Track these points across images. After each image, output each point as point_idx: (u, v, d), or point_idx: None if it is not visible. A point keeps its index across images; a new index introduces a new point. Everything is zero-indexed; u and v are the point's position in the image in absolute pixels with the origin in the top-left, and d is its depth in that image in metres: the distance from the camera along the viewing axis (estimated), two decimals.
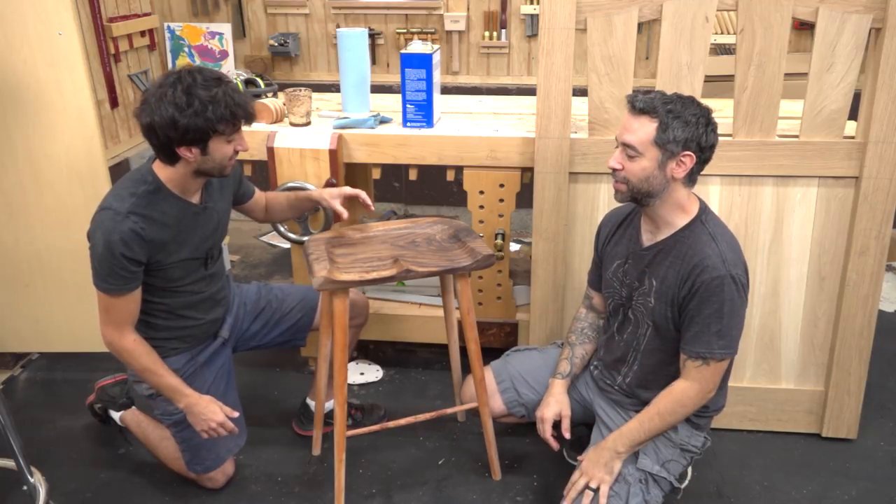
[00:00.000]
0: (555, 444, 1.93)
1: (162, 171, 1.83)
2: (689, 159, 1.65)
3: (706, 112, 1.67)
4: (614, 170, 1.72)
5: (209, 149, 1.75)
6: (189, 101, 1.67)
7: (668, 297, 1.74)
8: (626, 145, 1.68)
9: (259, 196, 2.19)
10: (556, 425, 1.94)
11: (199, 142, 1.73)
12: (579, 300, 2.26)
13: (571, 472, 1.88)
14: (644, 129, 1.65)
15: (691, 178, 1.71)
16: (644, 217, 1.82)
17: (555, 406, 1.93)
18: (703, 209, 1.76)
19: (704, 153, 1.67)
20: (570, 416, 1.93)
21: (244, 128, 1.83)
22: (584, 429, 2.15)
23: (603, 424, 1.90)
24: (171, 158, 1.78)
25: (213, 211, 1.96)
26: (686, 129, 1.63)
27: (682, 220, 1.74)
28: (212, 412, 1.89)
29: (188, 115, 1.67)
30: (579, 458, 1.85)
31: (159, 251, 1.82)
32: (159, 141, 1.73)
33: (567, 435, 1.92)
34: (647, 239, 1.81)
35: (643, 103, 1.66)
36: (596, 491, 1.74)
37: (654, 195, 1.70)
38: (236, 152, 1.83)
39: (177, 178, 1.82)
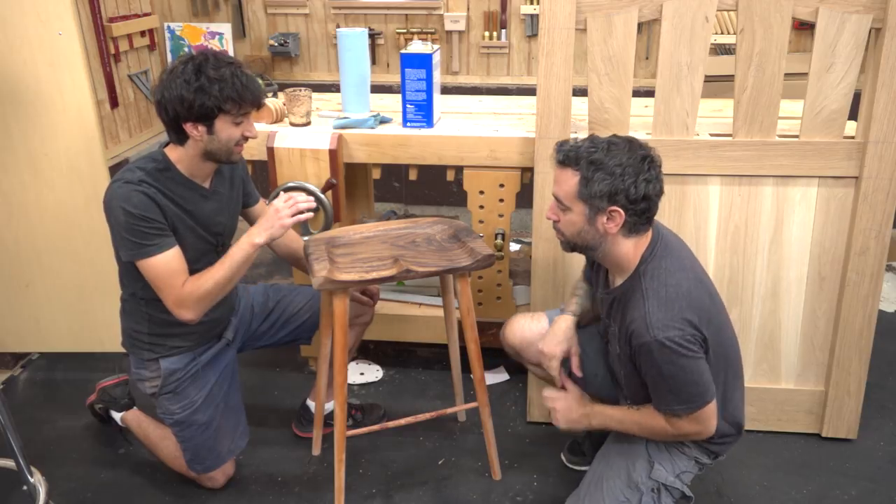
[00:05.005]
0: (562, 381, 1.84)
1: (172, 153, 1.86)
2: (618, 214, 1.55)
3: (638, 160, 1.54)
4: (552, 220, 1.67)
5: (215, 128, 1.78)
6: (197, 78, 1.71)
7: (626, 353, 1.67)
8: (555, 198, 1.62)
9: (263, 207, 2.17)
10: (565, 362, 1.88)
11: (205, 119, 1.75)
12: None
13: (572, 473, 1.88)
14: (568, 183, 1.57)
15: (632, 230, 1.60)
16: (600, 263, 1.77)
17: (565, 343, 1.84)
18: (645, 257, 1.63)
19: (636, 206, 1.54)
20: (579, 353, 1.86)
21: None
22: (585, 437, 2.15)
23: None
24: (179, 136, 1.81)
25: (222, 196, 1.97)
26: (610, 181, 1.51)
27: (629, 271, 1.65)
28: (276, 213, 1.84)
29: (193, 91, 1.71)
30: (568, 388, 1.84)
31: (172, 220, 1.82)
32: (168, 117, 1.77)
33: (578, 373, 1.85)
34: (611, 280, 1.75)
35: (564, 155, 1.57)
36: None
37: (592, 248, 1.63)
38: (245, 138, 1.84)
39: (186, 159, 1.84)
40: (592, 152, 1.55)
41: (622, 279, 1.69)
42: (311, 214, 1.87)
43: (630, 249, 1.63)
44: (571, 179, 1.56)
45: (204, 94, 1.71)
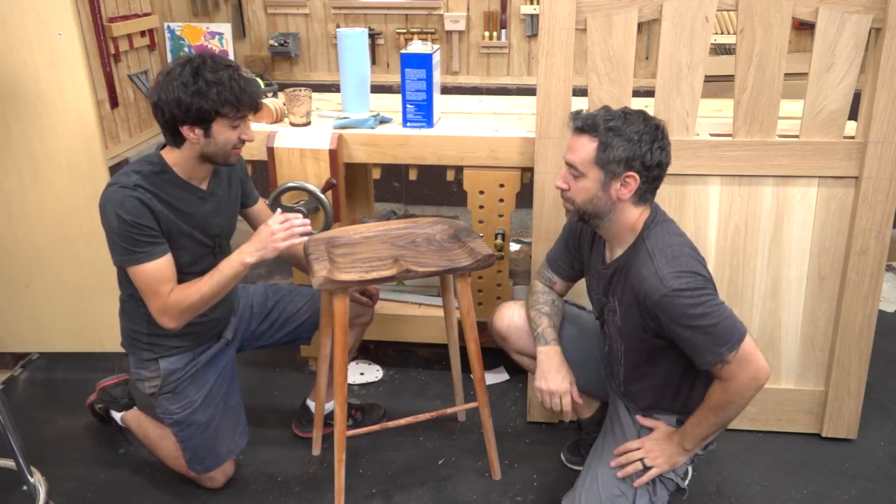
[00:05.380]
0: (640, 422, 1.83)
1: (169, 155, 1.85)
2: (632, 180, 1.61)
3: (653, 129, 1.61)
4: (561, 189, 1.70)
5: (212, 131, 1.77)
6: (195, 81, 1.70)
7: (635, 320, 1.69)
8: (569, 165, 1.66)
9: (262, 207, 2.18)
10: None
11: (203, 122, 1.75)
12: (578, 300, 2.26)
13: (572, 473, 1.88)
14: (585, 149, 1.61)
15: (642, 198, 1.66)
16: (601, 234, 1.79)
17: (569, 376, 1.85)
18: (648, 223, 1.68)
19: (650, 172, 1.61)
20: (575, 381, 1.88)
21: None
22: (585, 433, 2.15)
23: (617, 418, 1.89)
24: (176, 139, 1.80)
25: (219, 198, 1.96)
26: (628, 147, 1.58)
27: (630, 240, 1.70)
28: (270, 234, 1.80)
29: (191, 94, 1.70)
30: (644, 422, 1.81)
31: (167, 225, 1.82)
32: (164, 119, 1.76)
33: (579, 400, 1.86)
34: (608, 256, 1.78)
35: (583, 121, 1.62)
36: (646, 468, 1.73)
37: (600, 216, 1.67)
38: (242, 141, 1.84)
39: (183, 161, 1.84)
40: (609, 120, 1.60)
41: (622, 250, 1.71)
42: (305, 239, 1.85)
43: (635, 218, 1.68)
44: (589, 145, 1.61)
45: (201, 97, 1.70)
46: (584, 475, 1.84)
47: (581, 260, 1.93)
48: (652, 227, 1.68)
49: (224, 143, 1.80)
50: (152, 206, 1.78)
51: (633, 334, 1.73)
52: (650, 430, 1.80)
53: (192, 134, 1.76)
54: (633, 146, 1.58)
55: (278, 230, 1.81)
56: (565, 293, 2.03)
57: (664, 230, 1.68)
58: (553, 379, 1.83)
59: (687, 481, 1.98)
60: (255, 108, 1.82)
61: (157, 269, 1.80)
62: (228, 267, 1.82)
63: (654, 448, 1.75)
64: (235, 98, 1.74)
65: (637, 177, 1.60)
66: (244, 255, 1.82)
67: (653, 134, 1.60)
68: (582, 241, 1.91)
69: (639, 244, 1.67)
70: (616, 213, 1.66)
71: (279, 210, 1.88)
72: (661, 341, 1.69)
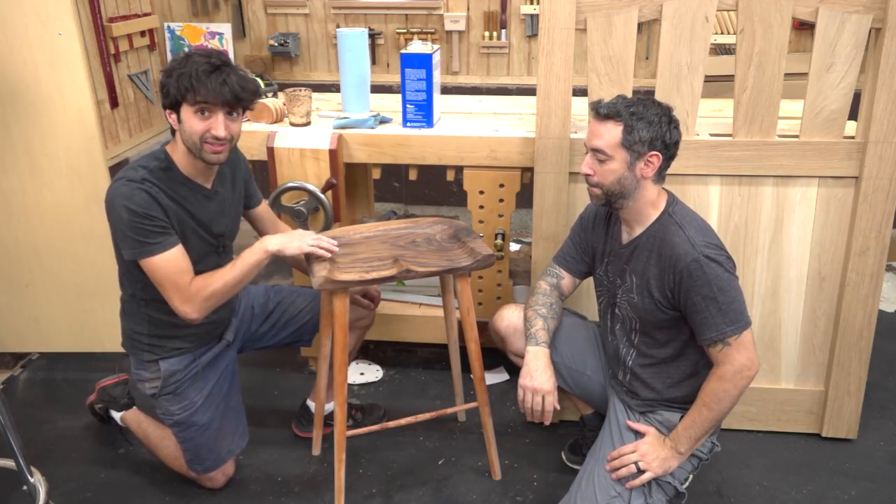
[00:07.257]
0: (633, 426, 1.86)
1: (173, 151, 1.86)
2: (656, 158, 1.71)
3: (667, 111, 1.73)
4: (587, 175, 1.77)
5: (182, 117, 1.78)
6: (175, 65, 1.75)
7: (651, 292, 1.76)
8: (595, 150, 1.73)
9: (266, 209, 2.18)
10: None
11: (174, 106, 1.77)
12: (578, 301, 2.26)
13: (572, 473, 1.88)
14: (610, 133, 1.70)
15: (660, 176, 1.76)
16: (621, 216, 1.85)
17: (553, 378, 1.86)
18: (671, 201, 1.80)
19: (670, 150, 1.73)
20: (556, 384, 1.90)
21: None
22: (588, 430, 2.15)
23: (615, 420, 1.89)
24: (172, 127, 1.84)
25: (223, 197, 1.97)
26: (650, 128, 1.69)
27: (653, 216, 1.78)
28: (301, 235, 1.91)
29: (165, 74, 1.76)
30: (636, 427, 1.84)
31: (175, 219, 1.82)
32: (162, 105, 1.82)
33: (558, 406, 1.87)
34: (625, 237, 1.85)
35: (607, 109, 1.72)
36: (640, 472, 1.75)
37: (626, 196, 1.75)
38: (216, 138, 1.77)
39: (180, 154, 1.85)
40: (630, 106, 1.71)
41: (642, 228, 1.79)
42: (327, 255, 1.90)
43: (655, 196, 1.78)
44: (614, 129, 1.70)
45: (169, 77, 1.74)
46: (580, 477, 1.84)
47: (591, 254, 1.96)
48: (675, 204, 1.80)
49: (190, 131, 1.77)
50: (160, 200, 1.79)
51: (647, 308, 1.78)
52: (644, 434, 1.82)
53: (170, 118, 1.79)
54: (655, 127, 1.69)
55: (310, 240, 1.89)
56: (571, 291, 2.05)
57: (687, 208, 1.82)
58: (538, 378, 1.84)
59: (687, 483, 1.98)
60: (224, 101, 1.74)
61: (173, 260, 1.80)
62: (251, 254, 1.86)
63: (648, 452, 1.77)
64: (191, 84, 1.71)
65: (660, 155, 1.71)
66: (266, 242, 1.86)
67: (668, 115, 1.72)
68: (595, 233, 1.95)
69: (665, 218, 1.77)
70: (639, 191, 1.75)
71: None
72: (672, 314, 1.75)
